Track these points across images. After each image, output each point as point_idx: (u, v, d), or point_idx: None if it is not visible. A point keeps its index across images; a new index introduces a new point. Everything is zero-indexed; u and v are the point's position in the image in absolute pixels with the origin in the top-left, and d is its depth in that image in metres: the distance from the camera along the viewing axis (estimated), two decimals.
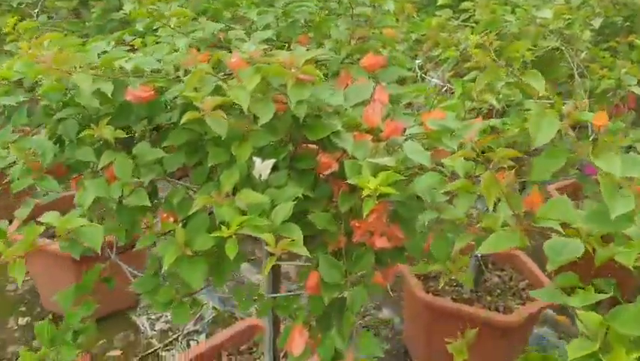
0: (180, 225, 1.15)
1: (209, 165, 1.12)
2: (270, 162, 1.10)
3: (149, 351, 2.77)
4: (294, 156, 1.20)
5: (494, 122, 1.11)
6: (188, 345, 2.90)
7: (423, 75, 2.28)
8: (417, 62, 2.40)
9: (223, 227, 0.98)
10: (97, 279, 1.34)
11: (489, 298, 2.50)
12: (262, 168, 1.10)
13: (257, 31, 1.50)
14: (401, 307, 3.00)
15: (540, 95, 1.92)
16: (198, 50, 1.27)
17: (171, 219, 1.15)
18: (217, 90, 1.02)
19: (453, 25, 2.35)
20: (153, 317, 3.02)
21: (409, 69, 2.13)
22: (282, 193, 1.11)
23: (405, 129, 1.20)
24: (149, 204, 1.09)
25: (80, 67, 0.96)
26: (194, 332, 2.97)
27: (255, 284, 1.49)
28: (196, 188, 1.24)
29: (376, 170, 1.08)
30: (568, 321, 3.09)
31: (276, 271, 1.61)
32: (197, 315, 3.02)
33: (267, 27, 1.53)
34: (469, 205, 1.02)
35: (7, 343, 2.77)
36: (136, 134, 1.28)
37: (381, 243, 1.11)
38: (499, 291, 2.58)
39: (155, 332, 2.94)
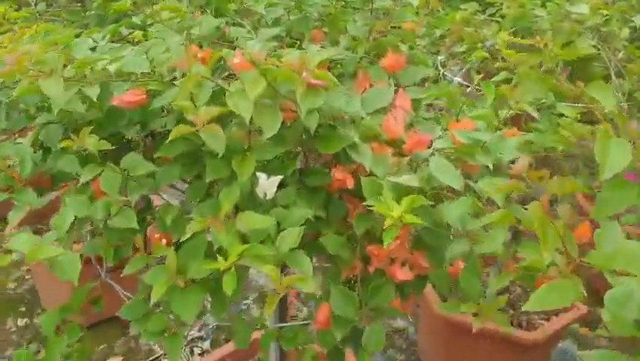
0: (174, 247, 1.01)
1: (208, 180, 0.98)
2: (277, 179, 0.96)
3: (151, 358, 2.65)
4: (303, 171, 1.06)
5: (531, 137, 0.96)
6: (192, 352, 2.78)
7: (445, 73, 2.12)
8: (439, 58, 2.24)
9: (220, 258, 0.84)
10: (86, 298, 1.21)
11: (512, 311, 2.34)
12: (267, 185, 0.95)
13: (265, 26, 1.36)
14: (416, 315, 2.85)
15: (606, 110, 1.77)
16: (201, 46, 1.13)
17: (164, 241, 1.02)
18: (216, 97, 0.88)
19: (479, 20, 2.19)
20: None
21: (432, 66, 1.98)
22: (290, 214, 0.97)
23: (431, 142, 1.05)
24: (137, 227, 0.95)
25: (52, 69, 0.82)
26: (198, 338, 2.85)
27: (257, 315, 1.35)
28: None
29: (398, 190, 0.94)
30: (589, 333, 2.94)
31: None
32: (202, 321, 2.90)
33: (276, 22, 1.39)
34: (507, 236, 0.87)
35: (5, 345, 2.66)
36: (129, 142, 1.15)
37: (403, 275, 0.97)
38: (522, 303, 2.42)
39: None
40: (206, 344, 2.82)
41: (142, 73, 0.91)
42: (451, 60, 2.27)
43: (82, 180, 0.94)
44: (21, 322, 2.79)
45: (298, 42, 1.39)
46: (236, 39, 1.05)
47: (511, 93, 1.07)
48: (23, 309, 2.88)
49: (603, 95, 0.68)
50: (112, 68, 0.90)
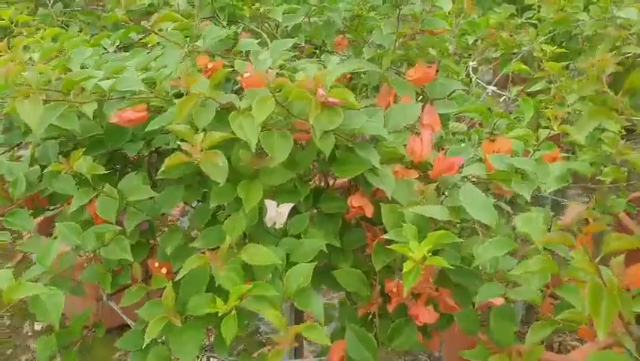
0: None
1: (212, 206, 0.89)
2: (286, 208, 0.87)
3: None
4: (318, 195, 0.96)
5: (576, 165, 0.85)
6: None
7: (477, 80, 2.00)
8: (471, 63, 2.12)
9: (218, 300, 0.75)
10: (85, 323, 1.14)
11: None
12: (276, 215, 0.86)
13: (283, 33, 1.26)
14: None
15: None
16: (213, 56, 1.04)
17: (164, 270, 0.93)
18: (222, 117, 0.79)
19: (514, 24, 2.06)
20: None
21: (462, 76, 1.86)
22: (301, 246, 0.88)
23: (462, 166, 0.94)
24: (130, 259, 0.87)
25: (29, 90, 0.73)
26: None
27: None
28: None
29: (422, 222, 0.83)
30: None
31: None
32: None
33: (296, 28, 1.29)
34: (545, 281, 0.76)
35: (21, 351, 2.63)
36: (134, 160, 1.07)
37: (426, 317, 0.86)
38: None
39: None
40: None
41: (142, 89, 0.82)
42: (483, 66, 2.14)
43: (73, 206, 0.85)
44: (37, 326, 2.75)
45: (318, 50, 1.29)
46: (248, 52, 0.96)
47: (553, 113, 0.95)
48: None
49: None
50: (105, 85, 0.81)
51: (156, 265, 0.93)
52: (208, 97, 0.78)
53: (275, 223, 0.87)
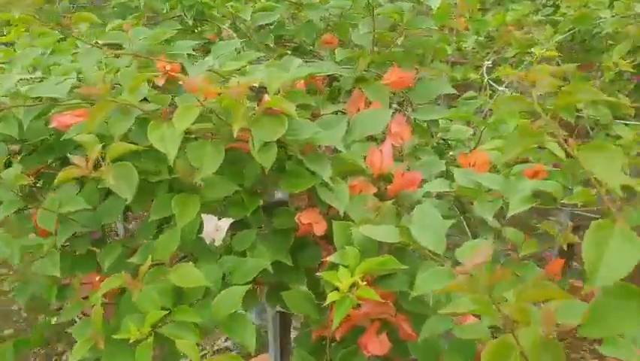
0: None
1: (152, 219, 0.83)
2: (225, 223, 0.80)
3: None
4: (269, 210, 0.89)
5: (551, 185, 0.75)
6: None
7: (490, 82, 1.89)
8: (486, 63, 2.00)
9: (131, 325, 0.69)
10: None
11: None
12: (213, 231, 0.79)
13: (263, 32, 1.19)
14: None
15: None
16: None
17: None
18: (143, 124, 0.73)
19: (532, 21, 1.94)
20: None
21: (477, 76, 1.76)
22: (243, 264, 0.81)
23: (424, 181, 0.86)
24: (57, 275, 0.82)
25: None
26: (224, 349, 2.74)
27: None
28: None
29: (370, 245, 0.76)
30: None
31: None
32: None
33: (279, 27, 1.22)
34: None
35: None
36: None
37: (375, 348, 0.78)
38: (569, 339, 2.15)
39: None
40: None
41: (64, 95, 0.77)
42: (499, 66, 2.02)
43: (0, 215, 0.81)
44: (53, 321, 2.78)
45: (297, 50, 1.22)
46: (186, 55, 0.89)
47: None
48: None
49: None
50: (28, 90, 0.76)
51: (97, 279, 0.88)
52: (129, 104, 0.71)
53: (214, 240, 0.80)
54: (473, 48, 2.06)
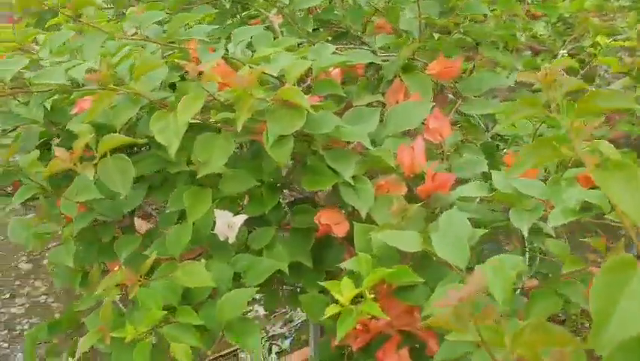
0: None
1: (169, 210, 0.80)
2: (238, 220, 0.75)
3: (228, 351, 2.59)
4: (291, 208, 0.84)
5: (596, 195, 0.65)
6: (270, 350, 2.68)
7: (562, 72, 1.73)
8: (561, 52, 1.85)
9: (128, 325, 0.66)
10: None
11: None
12: (224, 227, 0.75)
13: (309, 19, 1.13)
14: None
15: None
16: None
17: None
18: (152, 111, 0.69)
19: (615, 7, 1.76)
20: None
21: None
22: (257, 264, 0.76)
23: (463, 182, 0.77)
24: (70, 265, 0.80)
25: None
26: (279, 335, 2.73)
27: None
28: None
29: (389, 251, 0.69)
30: None
31: None
32: (287, 316, 2.78)
33: (329, 11, 1.16)
34: None
35: None
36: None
37: None
38: None
39: None
40: (286, 343, 2.70)
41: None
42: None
43: (15, 200, 0.80)
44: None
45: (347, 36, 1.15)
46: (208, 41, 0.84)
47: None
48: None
49: None
50: (34, 77, 0.74)
51: (116, 269, 0.86)
52: (135, 92, 0.68)
53: (227, 238, 0.76)
54: (549, 36, 1.91)
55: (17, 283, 2.96)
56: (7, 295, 2.83)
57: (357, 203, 0.75)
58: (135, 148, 0.93)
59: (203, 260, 0.78)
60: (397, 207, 0.73)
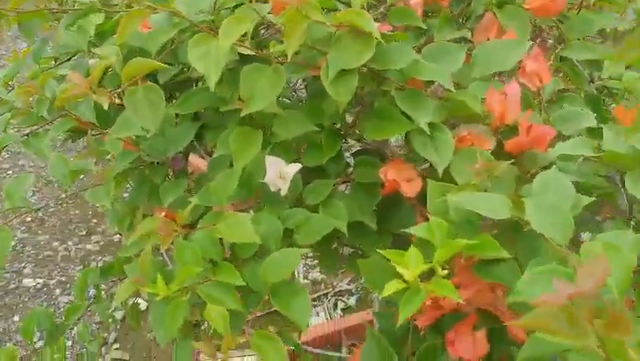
0: None
1: (217, 154, 0.71)
2: (292, 169, 0.65)
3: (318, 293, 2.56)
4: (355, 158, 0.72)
5: None
6: (336, 306, 2.62)
7: None
8: None
9: (160, 281, 0.57)
10: None
11: None
12: (275, 177, 0.65)
13: None
14: None
15: None
16: None
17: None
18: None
19: None
20: (310, 262, 2.78)
21: None
22: (310, 221, 0.66)
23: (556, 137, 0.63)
24: (108, 205, 0.73)
25: None
26: (346, 291, 2.67)
27: None
28: None
29: (472, 216, 0.57)
30: None
31: None
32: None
33: None
34: None
35: None
36: None
37: (465, 351, 0.60)
38: None
39: (306, 281, 2.71)
40: (352, 300, 2.64)
41: None
42: None
43: (53, 133, 0.73)
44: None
45: None
46: None
47: None
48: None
49: None
50: None
51: (163, 213, 0.78)
52: (176, 12, 0.57)
53: (279, 190, 0.66)
54: None
55: (94, 220, 3.03)
56: (84, 232, 2.89)
57: (434, 156, 0.63)
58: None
59: (251, 211, 0.69)
60: (482, 165, 0.61)
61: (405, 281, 0.46)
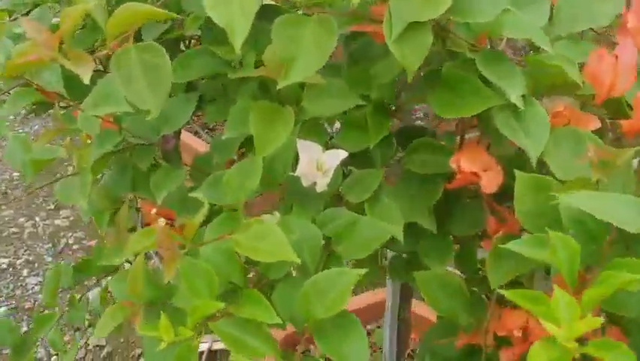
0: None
1: (226, 137, 0.54)
2: (334, 157, 0.49)
3: None
4: (409, 142, 0.56)
5: None
6: None
7: None
8: None
9: (163, 320, 0.41)
10: None
11: None
12: (311, 168, 0.48)
13: None
14: None
15: None
16: None
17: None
18: None
19: None
20: None
21: None
22: (357, 228, 0.50)
23: None
24: (83, 205, 0.55)
25: None
26: None
27: None
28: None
29: (594, 227, 0.41)
30: None
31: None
32: None
33: None
34: None
35: None
36: None
37: None
38: None
39: None
40: None
41: None
42: None
43: (5, 111, 0.55)
44: None
45: None
46: None
47: None
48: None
49: None
50: None
51: (153, 211, 0.61)
52: None
53: (315, 185, 0.50)
54: None
55: None
56: (52, 206, 2.67)
57: (524, 140, 0.47)
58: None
59: (276, 213, 0.53)
60: (596, 153, 0.45)
61: (554, 346, 0.31)
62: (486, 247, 0.61)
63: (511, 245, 0.42)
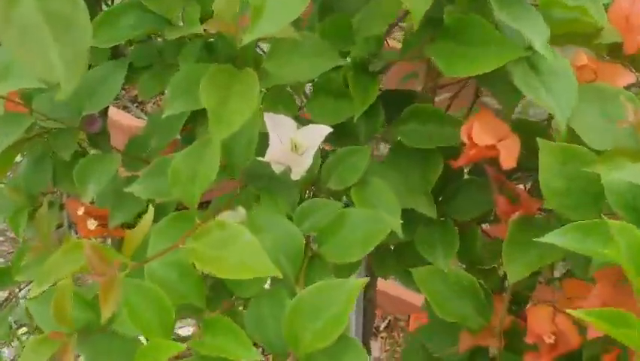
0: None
1: (167, 114, 0.42)
2: (314, 131, 0.38)
3: None
4: (397, 109, 0.46)
5: None
6: None
7: None
8: None
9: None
10: None
11: None
12: (284, 149, 0.38)
13: None
14: None
15: None
16: None
17: (92, 223, 0.49)
18: None
19: None
20: None
21: None
22: (346, 222, 0.39)
23: None
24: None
25: None
26: None
27: None
28: None
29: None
30: None
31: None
32: None
33: None
34: None
35: None
36: None
37: None
38: None
39: None
40: None
41: None
42: None
43: None
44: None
45: None
46: None
47: None
48: None
49: None
50: None
51: (81, 210, 0.49)
52: None
53: (290, 169, 0.39)
54: None
55: None
56: None
57: (547, 100, 0.37)
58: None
59: (240, 209, 0.42)
60: (637, 115, 0.36)
61: None
62: (491, 233, 0.52)
63: (551, 237, 0.33)
